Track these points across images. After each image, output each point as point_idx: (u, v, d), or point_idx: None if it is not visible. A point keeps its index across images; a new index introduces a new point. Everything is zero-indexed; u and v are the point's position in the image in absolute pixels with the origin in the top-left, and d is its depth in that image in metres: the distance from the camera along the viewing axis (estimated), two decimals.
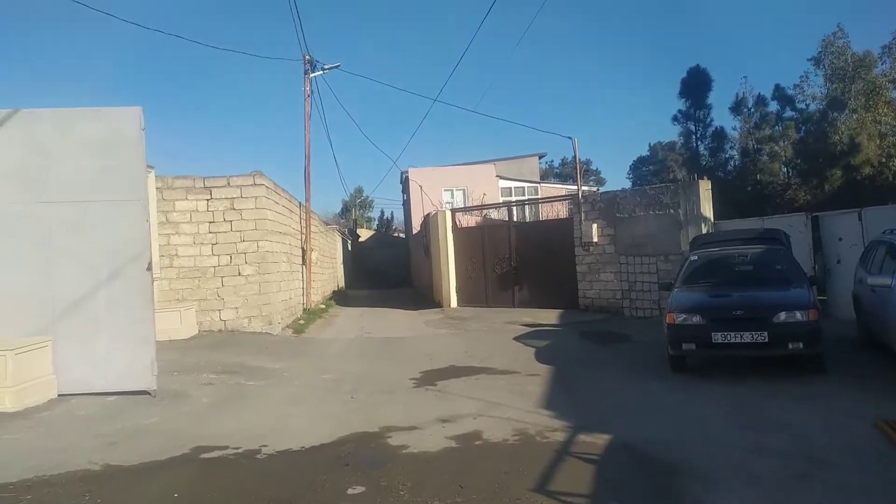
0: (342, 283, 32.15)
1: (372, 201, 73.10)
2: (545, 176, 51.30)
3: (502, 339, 11.24)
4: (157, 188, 11.63)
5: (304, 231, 16.85)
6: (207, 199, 11.94)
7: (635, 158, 60.35)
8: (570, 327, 12.76)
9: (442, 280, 18.21)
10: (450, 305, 17.81)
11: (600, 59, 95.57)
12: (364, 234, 53.52)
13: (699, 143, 32.58)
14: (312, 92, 17.31)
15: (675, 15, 78.53)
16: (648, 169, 58.22)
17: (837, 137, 24.25)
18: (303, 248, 16.71)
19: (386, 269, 43.32)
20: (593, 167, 64.38)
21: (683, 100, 32.24)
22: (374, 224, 73.11)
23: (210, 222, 11.92)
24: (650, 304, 13.81)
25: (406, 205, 35.57)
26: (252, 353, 9.81)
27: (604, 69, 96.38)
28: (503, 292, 16.93)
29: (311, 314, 16.26)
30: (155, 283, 11.52)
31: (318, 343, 11.58)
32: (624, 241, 14.32)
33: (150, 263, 6.88)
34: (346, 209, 67.08)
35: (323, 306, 19.64)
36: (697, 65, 32.13)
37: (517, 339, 11.23)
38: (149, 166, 11.36)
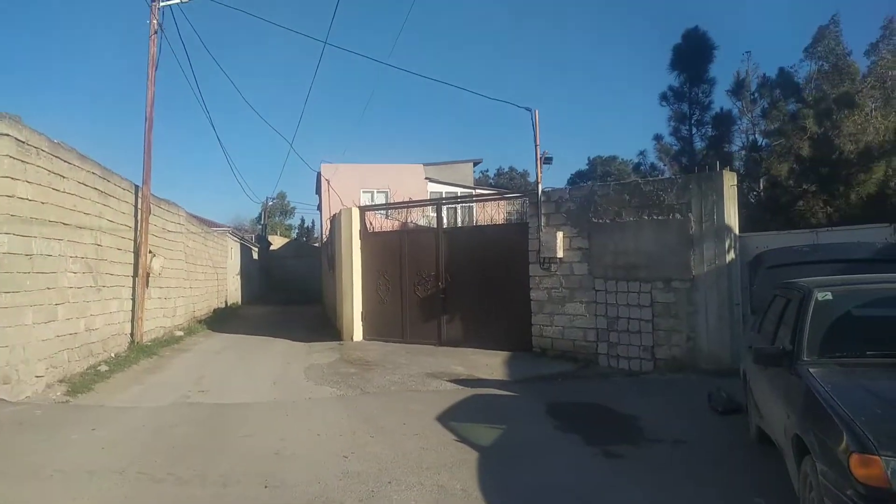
0: (235, 299, 26.53)
1: (293, 208, 67.21)
2: (480, 185, 47.12)
3: (419, 419, 6.44)
4: None
5: (139, 227, 11.50)
6: None
7: (573, 173, 55.52)
8: (528, 389, 8.11)
9: (344, 302, 13.24)
10: (352, 338, 12.85)
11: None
12: (277, 241, 47.53)
13: (694, 130, 24.52)
14: (161, 33, 11.98)
15: None
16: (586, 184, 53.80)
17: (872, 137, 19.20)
18: (136, 253, 11.36)
19: (298, 281, 38.04)
20: (531, 179, 60.59)
21: (676, 73, 24.08)
22: (295, 232, 66.62)
23: None
24: (638, 350, 9.42)
25: (320, 209, 30.31)
26: None
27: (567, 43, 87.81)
28: (426, 324, 12.14)
29: (139, 350, 10.90)
30: None
31: (73, 426, 6.22)
32: (603, 258, 9.87)
33: None
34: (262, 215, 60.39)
35: (180, 333, 14.23)
36: (696, 26, 24.16)
37: (443, 419, 6.44)
38: None
